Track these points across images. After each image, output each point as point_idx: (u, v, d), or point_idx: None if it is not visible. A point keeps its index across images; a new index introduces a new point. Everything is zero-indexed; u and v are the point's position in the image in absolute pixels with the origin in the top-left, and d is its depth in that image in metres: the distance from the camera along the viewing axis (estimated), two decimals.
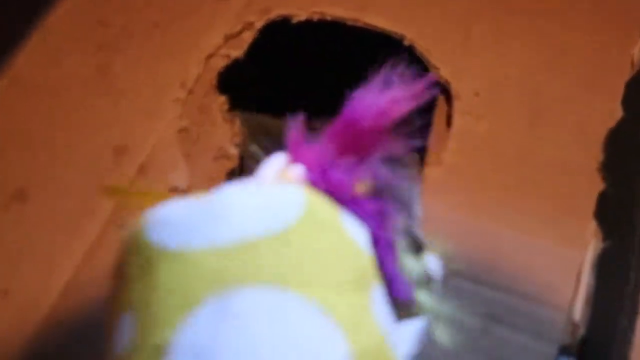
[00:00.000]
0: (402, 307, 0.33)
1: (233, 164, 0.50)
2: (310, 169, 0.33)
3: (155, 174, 0.48)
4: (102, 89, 0.53)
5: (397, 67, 0.32)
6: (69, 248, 0.45)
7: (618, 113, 0.50)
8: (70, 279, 0.44)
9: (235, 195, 0.29)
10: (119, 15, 0.56)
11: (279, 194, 0.29)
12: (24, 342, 0.42)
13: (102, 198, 0.47)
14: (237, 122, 0.52)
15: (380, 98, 0.33)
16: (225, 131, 0.51)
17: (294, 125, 0.34)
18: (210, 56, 0.54)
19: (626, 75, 0.52)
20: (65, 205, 0.47)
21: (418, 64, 0.53)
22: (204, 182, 0.49)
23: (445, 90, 0.52)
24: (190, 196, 0.29)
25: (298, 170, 0.33)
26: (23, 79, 0.53)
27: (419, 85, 0.33)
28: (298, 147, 0.34)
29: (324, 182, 0.33)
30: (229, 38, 0.55)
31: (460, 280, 0.43)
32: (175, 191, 0.48)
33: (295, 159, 0.34)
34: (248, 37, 0.55)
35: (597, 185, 0.47)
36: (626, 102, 0.51)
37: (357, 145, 0.34)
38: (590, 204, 0.46)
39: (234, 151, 0.50)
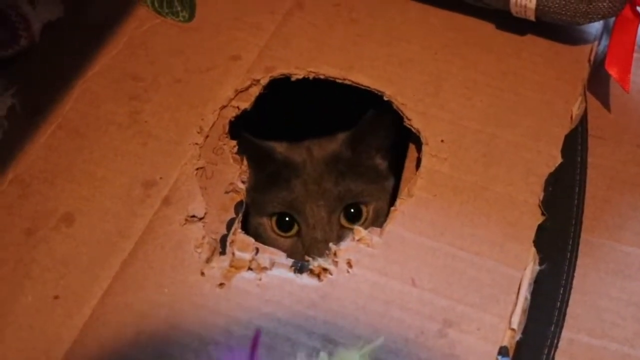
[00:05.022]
0: None
1: (241, 196, 0.55)
2: None
3: (177, 205, 0.54)
4: (134, 133, 0.58)
5: None
6: (107, 262, 0.51)
7: (558, 159, 0.57)
8: (108, 287, 0.50)
9: None
10: (148, 71, 0.62)
11: None
12: (72, 338, 0.48)
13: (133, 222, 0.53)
14: (245, 162, 0.57)
15: None
16: (235, 169, 0.56)
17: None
18: (223, 107, 0.59)
19: (566, 128, 0.59)
20: (104, 227, 0.53)
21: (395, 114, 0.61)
22: (217, 211, 0.54)
23: (416, 137, 0.59)
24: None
25: None
26: (69, 123, 0.59)
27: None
28: None
29: None
30: (239, 92, 0.60)
31: (420, 291, 0.50)
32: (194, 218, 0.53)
33: None
34: (255, 91, 0.61)
35: (538, 218, 0.54)
36: (565, 150, 0.58)
37: None
38: (530, 233, 0.53)
39: (241, 186, 0.55)
